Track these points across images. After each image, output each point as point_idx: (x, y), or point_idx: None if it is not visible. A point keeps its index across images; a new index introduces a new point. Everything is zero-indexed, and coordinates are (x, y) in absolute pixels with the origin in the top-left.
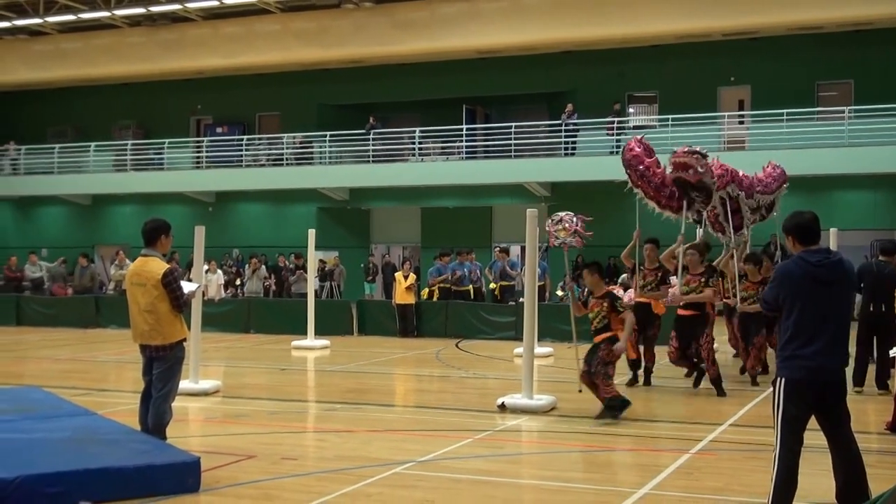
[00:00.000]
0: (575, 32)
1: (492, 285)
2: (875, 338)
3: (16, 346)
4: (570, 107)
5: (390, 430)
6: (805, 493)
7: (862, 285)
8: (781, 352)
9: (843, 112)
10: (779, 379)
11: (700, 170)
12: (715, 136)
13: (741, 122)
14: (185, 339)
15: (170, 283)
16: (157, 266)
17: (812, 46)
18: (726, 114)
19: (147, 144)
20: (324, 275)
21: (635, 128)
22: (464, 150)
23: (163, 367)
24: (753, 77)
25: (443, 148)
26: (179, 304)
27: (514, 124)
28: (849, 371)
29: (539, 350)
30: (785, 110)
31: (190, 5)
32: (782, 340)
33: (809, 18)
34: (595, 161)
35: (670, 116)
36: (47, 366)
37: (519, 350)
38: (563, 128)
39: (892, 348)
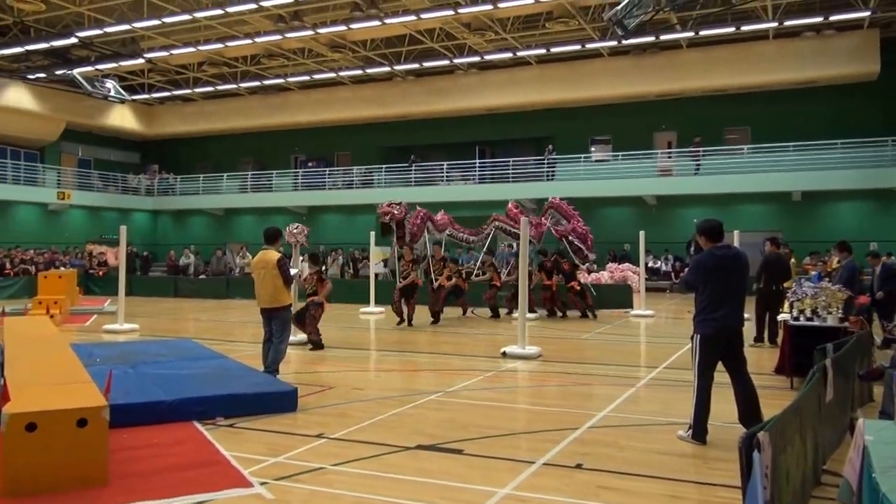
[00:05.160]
0: (554, 95)
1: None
2: (768, 306)
3: (174, 311)
4: (550, 147)
5: (426, 369)
6: (716, 416)
7: (765, 270)
8: (698, 316)
9: (742, 149)
10: (696, 335)
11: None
12: (651, 166)
13: (670, 157)
14: (290, 305)
15: (282, 267)
16: (273, 255)
17: (721, 103)
18: (659, 151)
19: (261, 174)
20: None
21: (596, 161)
22: (477, 177)
23: (279, 323)
24: (678, 124)
25: (463, 176)
26: (288, 280)
27: (511, 159)
28: (748, 331)
29: (530, 315)
30: (701, 148)
31: (290, 79)
32: (698, 308)
33: (718, 84)
34: (567, 184)
35: (620, 153)
36: (195, 324)
37: (515, 315)
38: (545, 161)
39: (779, 315)
